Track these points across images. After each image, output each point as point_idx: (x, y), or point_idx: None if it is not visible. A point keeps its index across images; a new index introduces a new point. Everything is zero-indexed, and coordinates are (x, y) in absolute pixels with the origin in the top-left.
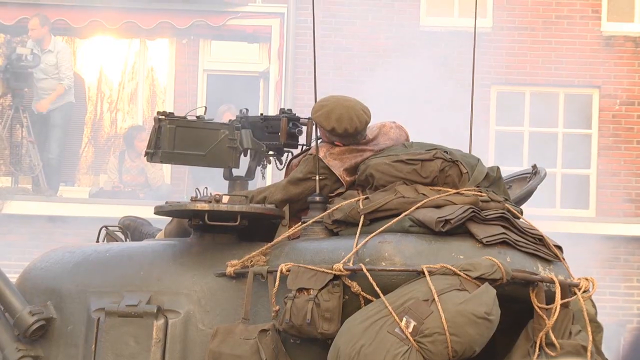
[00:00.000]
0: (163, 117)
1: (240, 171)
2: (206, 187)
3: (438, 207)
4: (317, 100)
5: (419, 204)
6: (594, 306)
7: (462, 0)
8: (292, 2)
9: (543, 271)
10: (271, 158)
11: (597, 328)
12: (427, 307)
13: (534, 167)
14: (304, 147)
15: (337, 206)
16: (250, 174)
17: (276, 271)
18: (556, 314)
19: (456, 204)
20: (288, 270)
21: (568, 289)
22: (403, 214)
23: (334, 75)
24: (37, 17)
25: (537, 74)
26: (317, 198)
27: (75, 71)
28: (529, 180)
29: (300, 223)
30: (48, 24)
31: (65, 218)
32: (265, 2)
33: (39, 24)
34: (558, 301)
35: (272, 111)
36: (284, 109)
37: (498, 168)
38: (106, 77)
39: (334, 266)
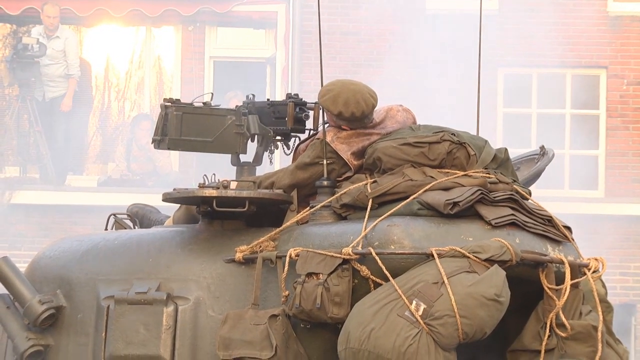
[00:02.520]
0: (169, 104)
1: (247, 157)
2: (214, 174)
3: (446, 189)
4: (324, 84)
5: (427, 187)
6: (604, 286)
7: None
8: None
9: (552, 252)
10: (278, 143)
11: (608, 308)
12: (436, 289)
13: (542, 148)
14: (311, 132)
15: (345, 190)
16: (258, 159)
17: (285, 256)
18: (566, 295)
19: (464, 186)
20: (297, 255)
21: (578, 270)
22: (411, 197)
23: (340, 59)
24: (51, 5)
25: (544, 55)
26: (325, 182)
27: (82, 58)
28: (537, 162)
29: (308, 208)
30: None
31: (73, 207)
32: None
33: (58, 12)
34: (568, 282)
35: (279, 96)
36: (290, 94)
37: (506, 149)
38: (113, 66)
39: (343, 250)
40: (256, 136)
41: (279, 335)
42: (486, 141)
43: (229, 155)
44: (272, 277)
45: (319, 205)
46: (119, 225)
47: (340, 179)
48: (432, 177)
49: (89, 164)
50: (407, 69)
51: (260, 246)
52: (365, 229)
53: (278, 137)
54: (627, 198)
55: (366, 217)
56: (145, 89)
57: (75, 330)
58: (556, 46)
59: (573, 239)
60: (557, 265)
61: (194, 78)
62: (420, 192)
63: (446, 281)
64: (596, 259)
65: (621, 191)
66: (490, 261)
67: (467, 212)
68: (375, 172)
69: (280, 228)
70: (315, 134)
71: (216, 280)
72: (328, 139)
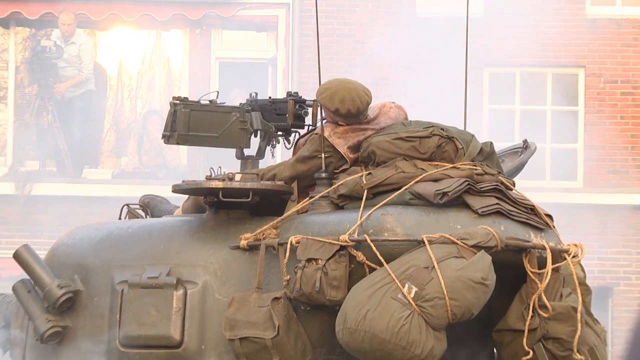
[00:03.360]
0: (178, 101)
1: (251, 151)
2: (220, 167)
3: (436, 180)
4: (322, 83)
5: (418, 178)
6: (583, 270)
7: None
8: None
9: (535, 238)
10: (280, 138)
11: (586, 291)
12: (427, 273)
13: (525, 142)
14: (310, 127)
15: (342, 182)
16: (261, 153)
17: (286, 243)
18: (548, 278)
19: (453, 178)
20: (297, 242)
21: (558, 255)
22: (403, 188)
23: (337, 60)
24: (68, 13)
25: (526, 55)
26: (323, 174)
27: (96, 61)
28: (520, 155)
29: (307, 198)
30: (75, 19)
31: (89, 198)
32: None
33: (73, 19)
34: (549, 266)
35: (280, 95)
36: (290, 92)
37: (491, 143)
38: (126, 66)
39: (340, 237)
40: (259, 131)
41: (281, 317)
42: (473, 135)
43: (234, 150)
44: (275, 263)
45: (317, 196)
46: (132, 214)
47: (337, 171)
48: (422, 169)
49: (104, 158)
50: (399, 68)
51: (263, 234)
52: (360, 218)
53: (279, 133)
54: (604, 188)
55: (361, 206)
56: (156, 88)
57: (91, 313)
58: (538, 47)
59: (554, 227)
60: (539, 250)
61: (201, 78)
62: (411, 183)
63: (436, 266)
64: (575, 245)
65: (599, 182)
66: (477, 247)
67: (456, 202)
68: (370, 165)
69: (282, 217)
70: (314, 129)
71: (222, 265)
72: (326, 134)
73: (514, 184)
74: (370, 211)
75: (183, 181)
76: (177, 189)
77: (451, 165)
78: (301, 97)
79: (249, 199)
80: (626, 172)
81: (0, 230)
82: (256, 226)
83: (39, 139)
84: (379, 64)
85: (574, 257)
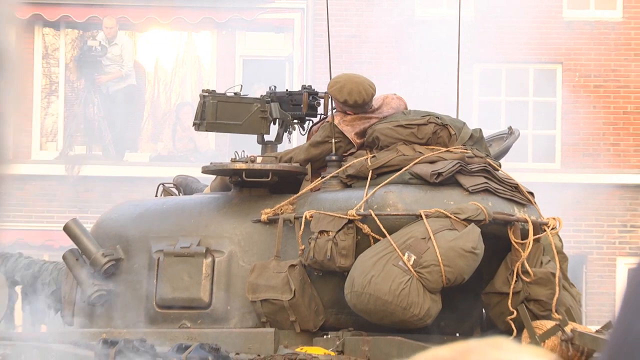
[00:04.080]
0: (207, 94)
1: (270, 137)
2: (243, 150)
3: (432, 162)
4: (332, 77)
5: (416, 160)
6: (560, 240)
7: None
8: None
9: (518, 213)
10: (295, 125)
11: (564, 258)
12: (424, 244)
13: (510, 128)
14: (322, 116)
15: (349, 164)
16: (279, 139)
17: (301, 217)
18: (529, 248)
19: (447, 160)
20: (311, 216)
21: (539, 227)
22: (404, 169)
23: (346, 57)
24: (111, 18)
25: (511, 53)
26: (334, 157)
27: (136, 60)
28: (506, 140)
29: (320, 178)
30: (117, 23)
31: (130, 178)
32: (288, 1)
33: (115, 23)
34: (531, 237)
35: (296, 88)
36: (305, 85)
37: (480, 130)
38: (161, 64)
39: (349, 212)
40: (277, 120)
41: (297, 281)
42: (464, 123)
43: (255, 136)
44: (291, 234)
45: (328, 176)
46: (167, 192)
47: (345, 154)
48: (420, 152)
49: (142, 143)
50: (400, 64)
51: (281, 209)
52: (366, 195)
53: (295, 121)
54: (579, 169)
55: (367, 185)
56: (187, 83)
57: (131, 278)
58: (521, 46)
59: (535, 202)
60: (522, 223)
61: (227, 73)
62: (411, 164)
63: (432, 237)
64: (554, 219)
65: (574, 164)
66: (468, 220)
67: (449, 181)
68: (374, 149)
69: (297, 194)
70: (325, 118)
71: (245, 237)
72: (336, 122)
73: (500, 165)
74: (375, 189)
75: (211, 163)
76: (206, 170)
77: (445, 149)
78: (314, 89)
79: (269, 179)
80: (598, 155)
81: (52, 206)
82: (275, 202)
83: (86, 127)
84: (381, 61)
85: (552, 229)
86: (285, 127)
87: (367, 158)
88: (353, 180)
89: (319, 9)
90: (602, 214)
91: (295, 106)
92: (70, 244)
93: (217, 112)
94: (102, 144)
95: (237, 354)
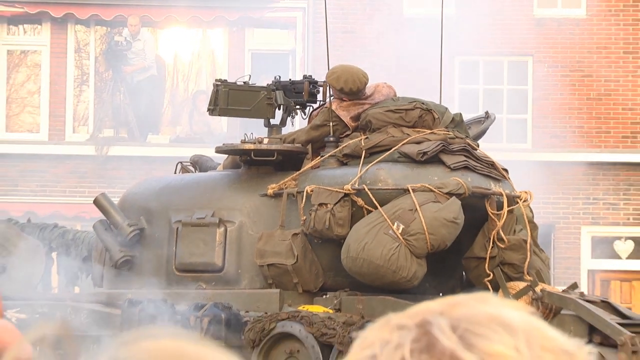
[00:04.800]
0: (220, 83)
1: (275, 121)
2: (252, 133)
3: (418, 143)
4: (330, 68)
5: (404, 141)
6: (531, 211)
7: None
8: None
9: (494, 187)
10: (298, 111)
11: (534, 227)
12: (411, 214)
13: (487, 113)
14: (321, 102)
15: (345, 144)
16: (283, 122)
17: (303, 192)
18: (504, 218)
19: (431, 141)
20: (312, 191)
21: (512, 199)
22: (393, 149)
23: (342, 51)
24: (134, 17)
25: (488, 46)
26: (331, 138)
27: (157, 54)
28: (483, 123)
29: (319, 157)
30: (140, 22)
31: (152, 157)
32: (291, 1)
33: (138, 22)
34: (505, 208)
35: (298, 77)
36: (306, 75)
37: (461, 114)
38: (180, 57)
39: (345, 187)
40: (281, 106)
41: (299, 248)
42: (446, 108)
43: (262, 120)
44: (294, 207)
45: (327, 155)
46: (185, 170)
47: (342, 136)
48: (407, 134)
49: (163, 126)
50: (390, 57)
51: (285, 184)
52: (360, 172)
53: (297, 107)
54: (548, 149)
55: (361, 163)
56: (202, 74)
57: (153, 245)
58: (497, 40)
59: (509, 178)
60: (498, 196)
61: (237, 65)
62: (399, 145)
63: (418, 209)
64: (525, 192)
65: (543, 144)
66: (449, 194)
67: (433, 159)
68: (367, 131)
69: (300, 171)
70: (324, 104)
71: (254, 209)
72: (333, 107)
73: (478, 145)
74: (368, 167)
75: (224, 144)
76: (219, 150)
77: (430, 131)
78: (314, 79)
79: (274, 158)
80: (565, 137)
81: (83, 182)
82: (280, 179)
83: (114, 112)
84: (373, 53)
85: (524, 201)
86: (288, 112)
87: (361, 139)
88: (348, 158)
89: (318, 8)
90: (568, 188)
91: (297, 94)
92: (99, 216)
93: (229, 99)
94: (128, 128)
95: (247, 311)
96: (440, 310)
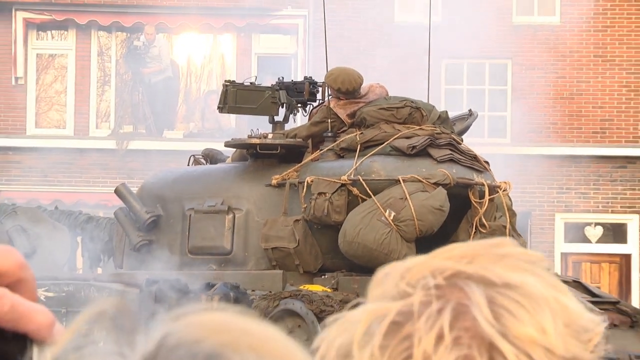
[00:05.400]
0: (228, 83)
1: (279, 117)
2: (258, 128)
3: (408, 138)
4: (328, 70)
5: (395, 136)
6: (510, 200)
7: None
8: (311, 8)
9: (477, 178)
10: (299, 109)
11: (513, 214)
12: (402, 203)
13: (470, 111)
14: (320, 101)
15: (342, 139)
16: (286, 119)
17: (304, 182)
18: (485, 205)
19: (419, 136)
20: (312, 181)
21: (493, 189)
22: (385, 143)
23: (339, 54)
24: (150, 26)
25: (471, 50)
26: (330, 134)
27: (172, 58)
28: (467, 120)
29: (318, 150)
30: (156, 29)
31: (167, 151)
32: (294, 8)
33: (154, 30)
34: (487, 197)
35: (299, 78)
36: (306, 76)
37: (447, 112)
38: (193, 60)
39: (342, 178)
40: (284, 104)
41: (300, 233)
42: (434, 106)
43: (267, 117)
44: (295, 196)
45: (325, 149)
46: (197, 162)
47: (339, 131)
48: (398, 130)
49: (178, 123)
50: (382, 59)
51: (288, 175)
52: (355, 164)
53: (299, 105)
54: (525, 143)
55: (356, 156)
56: (213, 75)
57: (168, 231)
58: (479, 45)
59: (490, 170)
60: (480, 186)
61: (245, 67)
62: (391, 139)
63: (408, 197)
64: (505, 182)
65: (521, 139)
66: (436, 184)
67: (422, 153)
68: (362, 127)
69: (301, 164)
70: (323, 102)
71: (259, 198)
72: (331, 105)
73: (462, 140)
74: (362, 159)
75: (232, 139)
76: (228, 144)
77: (418, 127)
78: (314, 80)
79: (278, 151)
80: (540, 132)
81: (105, 174)
82: (283, 170)
83: (133, 110)
84: (368, 57)
85: (504, 191)
86: (291, 109)
87: (356, 134)
88: (345, 152)
89: (318, 15)
90: (543, 179)
91: (299, 93)
92: (120, 204)
93: (237, 98)
94: (145, 124)
95: (253, 290)
96: (470, 273)
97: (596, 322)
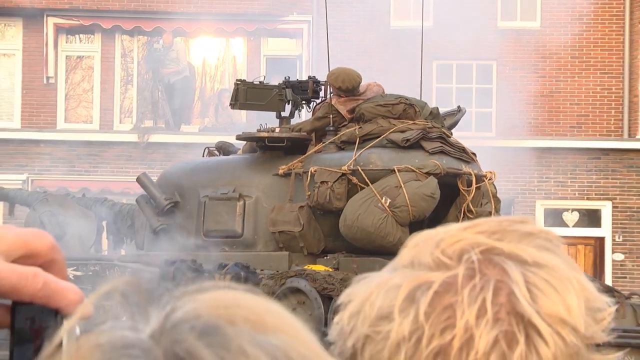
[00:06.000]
0: (240, 82)
1: (285, 113)
2: (266, 123)
3: (402, 131)
4: (330, 70)
5: (391, 130)
6: (495, 188)
7: (416, 10)
8: (315, 14)
9: (465, 168)
10: (303, 105)
11: (497, 201)
12: (397, 190)
13: (459, 107)
14: (323, 98)
15: (343, 132)
16: (292, 115)
17: (308, 171)
18: (473, 193)
19: (413, 130)
20: (315, 171)
21: (480, 178)
22: (382, 137)
23: (340, 56)
24: (168, 34)
25: (460, 52)
26: (331, 128)
27: (188, 60)
28: (456, 115)
29: (321, 143)
30: (174, 34)
31: (185, 144)
32: (299, 14)
33: (171, 36)
34: (474, 185)
35: (304, 78)
36: (310, 76)
37: (437, 108)
38: (207, 62)
39: (342, 168)
40: (290, 101)
41: (305, 218)
42: (426, 103)
43: (274, 112)
44: (300, 184)
45: (327, 142)
46: (211, 154)
47: (340, 126)
48: (394, 124)
49: (194, 118)
50: (379, 60)
51: (293, 166)
52: (355, 155)
53: (303, 102)
54: (509, 137)
55: (355, 148)
56: (226, 75)
57: (185, 216)
58: (467, 47)
59: (477, 160)
60: (468, 175)
61: (254, 68)
62: (387, 133)
63: (403, 186)
64: (490, 172)
65: (505, 133)
66: (428, 174)
67: (415, 145)
68: (360, 122)
69: (305, 155)
70: (325, 99)
71: (267, 186)
72: (333, 102)
73: (451, 134)
74: (361, 151)
75: (243, 133)
76: (239, 138)
77: (412, 122)
78: (317, 79)
79: (284, 144)
80: (522, 127)
81: (128, 164)
82: (289, 161)
83: (153, 107)
84: (366, 58)
85: (489, 179)
86: (296, 106)
87: (355, 128)
88: (345, 144)
89: (320, 21)
90: (525, 168)
91: (303, 91)
92: (141, 191)
93: (247, 96)
94: (165, 119)
95: (262, 270)
96: (504, 250)
97: (608, 303)
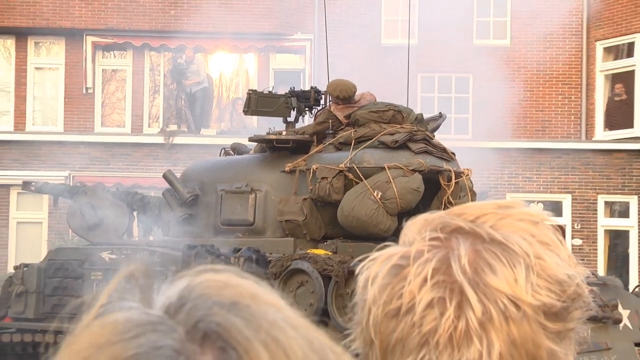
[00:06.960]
0: (252, 91)
1: (290, 119)
2: (274, 127)
3: (392, 134)
4: (329, 81)
5: (382, 133)
6: (471, 183)
7: (404, 30)
8: (316, 33)
9: (445, 166)
10: (306, 112)
11: (473, 194)
12: (387, 185)
13: (440, 113)
14: (323, 106)
15: (340, 135)
16: (296, 120)
17: (310, 169)
18: (452, 187)
19: (400, 133)
20: (316, 168)
21: (458, 174)
22: (374, 139)
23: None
24: (189, 51)
25: (441, 67)
26: (331, 131)
27: (207, 72)
28: (437, 121)
29: (322, 144)
30: (195, 50)
31: (204, 145)
32: (302, 34)
33: (193, 52)
34: (453, 181)
35: (307, 88)
36: (312, 86)
37: (422, 114)
38: (224, 74)
39: (340, 166)
40: (295, 108)
41: (308, 209)
42: (412, 110)
43: (281, 118)
44: (304, 180)
45: (327, 143)
46: (227, 154)
47: (338, 129)
48: (384, 128)
49: (212, 123)
50: (371, 73)
51: (298, 164)
52: (351, 155)
53: (306, 109)
54: (483, 139)
55: (351, 148)
56: (240, 86)
57: (204, 207)
58: (448, 62)
59: (456, 159)
60: (448, 172)
61: (264, 80)
62: (378, 135)
63: (392, 181)
64: (467, 169)
65: (480, 135)
66: (414, 170)
67: (402, 146)
68: (355, 126)
69: (308, 154)
70: (325, 107)
71: (276, 181)
72: (331, 109)
73: (434, 136)
74: (356, 151)
75: (255, 135)
76: (251, 139)
77: (400, 126)
78: (318, 89)
79: (290, 145)
80: (495, 130)
81: (155, 162)
82: (294, 160)
83: (177, 113)
84: (361, 71)
85: (466, 175)
86: (300, 112)
87: (351, 132)
88: (342, 145)
89: (321, 39)
90: (497, 166)
91: (306, 99)
92: (167, 186)
93: (258, 103)
94: (187, 124)
95: (271, 253)
96: (466, 230)
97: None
